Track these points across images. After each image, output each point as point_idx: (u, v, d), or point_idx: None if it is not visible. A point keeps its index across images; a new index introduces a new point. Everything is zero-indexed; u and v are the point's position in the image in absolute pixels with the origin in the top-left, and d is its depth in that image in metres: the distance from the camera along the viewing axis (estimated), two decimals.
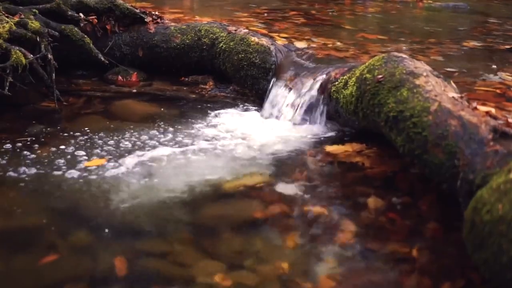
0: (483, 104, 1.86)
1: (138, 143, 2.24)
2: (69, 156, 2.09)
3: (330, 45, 3.10)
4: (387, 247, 1.58)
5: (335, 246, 1.59)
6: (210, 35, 3.01)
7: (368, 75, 2.03)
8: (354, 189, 1.92)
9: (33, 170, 1.97)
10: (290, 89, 2.56)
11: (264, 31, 3.28)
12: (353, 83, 2.15)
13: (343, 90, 2.24)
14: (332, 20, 4.30)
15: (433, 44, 3.42)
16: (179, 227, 1.69)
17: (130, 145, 2.21)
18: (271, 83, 2.68)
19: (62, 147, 2.17)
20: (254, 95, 2.81)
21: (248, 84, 2.83)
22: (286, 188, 1.93)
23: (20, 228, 1.66)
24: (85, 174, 1.95)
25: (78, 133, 2.31)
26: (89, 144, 2.21)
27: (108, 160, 2.06)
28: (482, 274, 1.30)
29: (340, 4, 5.40)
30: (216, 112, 2.64)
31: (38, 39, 2.64)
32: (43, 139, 2.24)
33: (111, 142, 2.24)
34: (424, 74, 1.90)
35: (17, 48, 2.53)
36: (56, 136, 2.28)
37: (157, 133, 2.34)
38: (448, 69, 2.73)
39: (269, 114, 2.56)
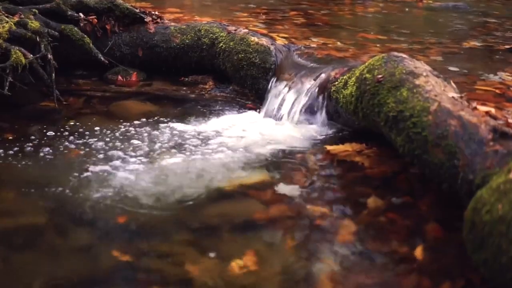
0: (483, 104, 1.86)
1: (138, 142, 2.24)
2: (69, 156, 2.09)
3: (330, 45, 3.09)
4: (387, 247, 1.58)
5: (335, 246, 1.59)
6: (210, 35, 3.01)
7: (368, 75, 2.03)
8: (354, 189, 1.91)
9: (33, 170, 1.97)
10: (290, 89, 2.55)
11: (264, 31, 3.28)
12: (353, 83, 2.15)
13: (343, 90, 2.24)
14: (332, 20, 4.30)
15: (433, 44, 3.42)
16: (179, 227, 1.69)
17: (129, 145, 2.21)
18: (271, 83, 2.68)
19: (62, 146, 2.17)
20: (254, 95, 2.81)
21: (248, 84, 2.83)
22: (286, 188, 1.92)
23: (20, 228, 1.66)
24: (85, 174, 1.95)
25: (78, 133, 2.31)
26: (88, 144, 2.21)
27: (108, 160, 2.06)
28: (482, 274, 1.30)
29: (340, 4, 5.40)
30: (216, 112, 2.64)
31: (38, 39, 2.65)
32: (42, 139, 2.24)
33: (111, 142, 2.24)
34: (424, 74, 1.90)
35: (17, 48, 2.53)
36: (56, 135, 2.28)
37: (156, 133, 2.34)
38: (448, 69, 2.72)
39: (269, 114, 2.56)
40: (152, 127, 2.40)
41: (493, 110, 1.68)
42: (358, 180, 1.97)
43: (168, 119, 2.51)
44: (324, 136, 2.35)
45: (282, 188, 1.92)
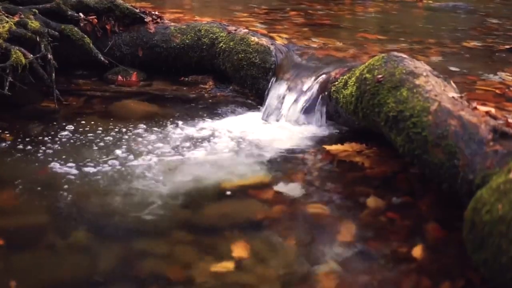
0: (483, 104, 1.86)
1: (138, 142, 2.24)
2: (68, 156, 2.09)
3: (330, 45, 3.10)
4: (387, 247, 1.58)
5: (335, 246, 1.59)
6: (210, 35, 3.01)
7: (368, 75, 2.03)
8: (354, 189, 1.91)
9: (33, 170, 1.97)
10: (290, 89, 2.55)
11: (264, 31, 3.28)
12: (353, 83, 2.15)
13: (343, 90, 2.24)
14: (332, 20, 4.30)
15: (433, 44, 3.42)
16: (179, 227, 1.69)
17: (129, 145, 2.21)
18: (271, 83, 2.68)
19: (62, 147, 2.17)
20: (254, 95, 2.81)
21: (248, 84, 2.83)
22: (286, 188, 1.92)
23: (20, 228, 1.66)
24: (85, 174, 1.95)
25: (78, 133, 2.31)
26: (89, 144, 2.21)
27: (108, 160, 2.07)
28: (482, 274, 1.30)
29: (340, 4, 5.40)
30: (216, 112, 2.64)
31: (38, 39, 2.64)
32: (42, 139, 2.24)
33: (111, 142, 2.24)
34: (424, 74, 1.90)
35: (17, 48, 2.53)
36: (56, 135, 2.28)
37: (157, 133, 2.34)
38: (448, 69, 2.72)
39: (269, 114, 2.56)
40: (152, 127, 2.40)
41: (493, 110, 1.68)
42: (358, 180, 1.97)
43: (168, 119, 2.51)
44: (324, 136, 2.35)
45: (282, 188, 1.92)
